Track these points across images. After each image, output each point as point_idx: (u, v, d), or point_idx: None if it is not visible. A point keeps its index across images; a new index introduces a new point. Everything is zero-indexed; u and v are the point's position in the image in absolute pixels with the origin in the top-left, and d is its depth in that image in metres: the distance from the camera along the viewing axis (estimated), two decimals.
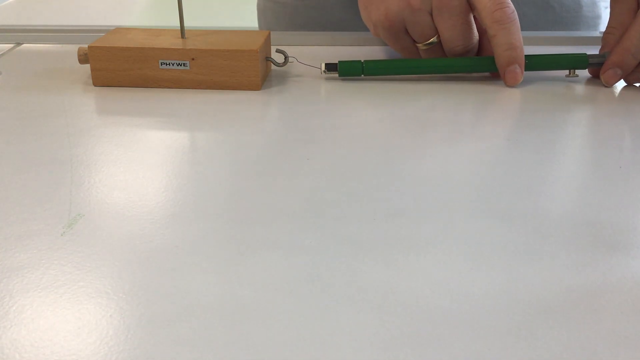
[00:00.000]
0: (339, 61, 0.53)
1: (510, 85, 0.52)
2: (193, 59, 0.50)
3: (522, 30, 0.50)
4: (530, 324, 0.26)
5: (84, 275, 0.28)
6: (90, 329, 0.25)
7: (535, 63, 0.53)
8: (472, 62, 0.53)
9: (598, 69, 0.53)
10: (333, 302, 0.27)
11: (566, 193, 0.36)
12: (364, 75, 0.53)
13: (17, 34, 0.64)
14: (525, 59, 0.52)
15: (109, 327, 0.25)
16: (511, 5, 0.50)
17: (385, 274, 0.29)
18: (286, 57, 0.53)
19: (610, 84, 0.52)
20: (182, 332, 0.25)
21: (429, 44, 0.53)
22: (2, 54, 0.60)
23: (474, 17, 0.52)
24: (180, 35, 0.52)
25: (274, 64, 0.54)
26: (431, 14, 0.51)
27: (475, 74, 0.55)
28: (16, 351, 0.24)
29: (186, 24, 0.53)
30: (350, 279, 0.28)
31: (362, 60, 0.53)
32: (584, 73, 0.55)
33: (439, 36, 0.52)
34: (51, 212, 0.33)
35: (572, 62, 0.54)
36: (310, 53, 0.59)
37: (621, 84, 0.53)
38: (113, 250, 0.30)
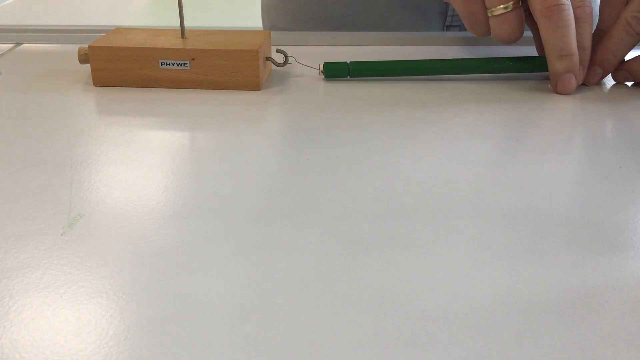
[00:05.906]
0: (325, 62, 0.53)
1: (563, 93, 0.50)
2: (193, 59, 0.50)
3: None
4: (530, 324, 0.26)
5: (84, 275, 0.28)
6: (90, 329, 0.25)
7: (513, 65, 0.53)
8: (459, 63, 0.53)
9: None
10: (333, 302, 0.27)
11: (566, 193, 0.36)
12: (350, 77, 0.53)
13: (17, 34, 0.64)
14: (506, 61, 0.52)
15: (109, 327, 0.25)
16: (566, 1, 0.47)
17: (385, 274, 0.29)
18: (286, 57, 0.53)
19: (591, 83, 0.52)
20: (182, 332, 0.25)
21: (505, 8, 0.48)
22: (2, 54, 0.60)
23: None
24: (180, 35, 0.52)
25: (274, 64, 0.54)
26: None
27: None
28: (16, 351, 0.24)
29: (186, 24, 0.53)
30: (350, 279, 0.28)
31: (348, 62, 0.53)
32: None
33: (514, 3, 0.48)
34: (51, 212, 0.33)
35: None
36: (310, 53, 0.59)
37: (612, 83, 0.53)
38: (113, 250, 0.30)
